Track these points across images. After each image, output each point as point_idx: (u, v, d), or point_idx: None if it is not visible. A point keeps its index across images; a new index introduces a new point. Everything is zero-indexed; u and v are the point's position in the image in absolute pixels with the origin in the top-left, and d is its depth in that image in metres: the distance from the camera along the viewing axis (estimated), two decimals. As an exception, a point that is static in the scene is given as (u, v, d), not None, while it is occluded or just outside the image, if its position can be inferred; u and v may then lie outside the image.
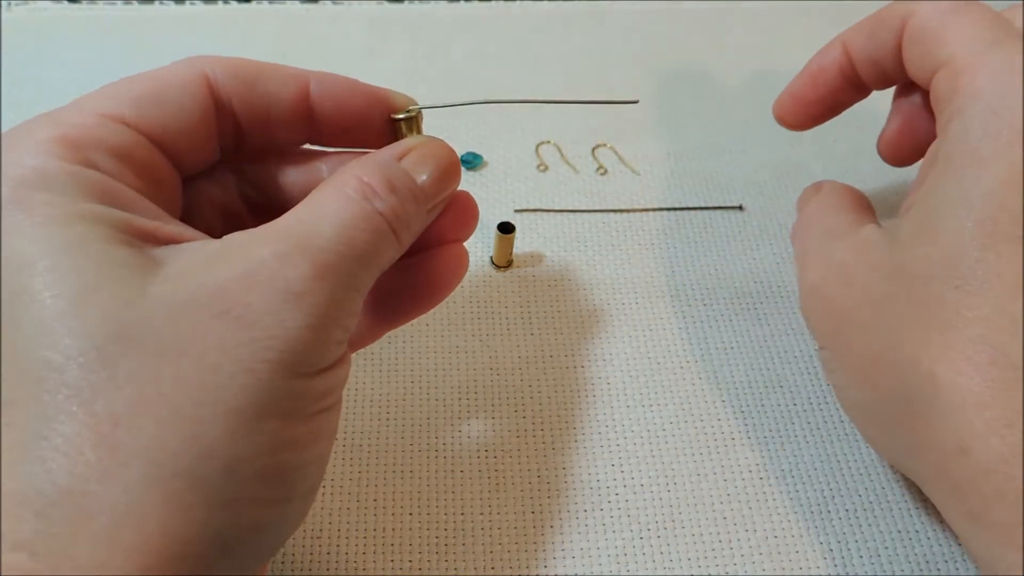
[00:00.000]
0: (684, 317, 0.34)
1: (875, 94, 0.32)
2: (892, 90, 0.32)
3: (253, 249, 0.19)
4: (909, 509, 0.29)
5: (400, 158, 0.23)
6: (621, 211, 0.37)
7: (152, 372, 0.17)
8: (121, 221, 0.19)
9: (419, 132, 0.25)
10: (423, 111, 0.24)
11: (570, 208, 0.37)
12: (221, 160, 0.24)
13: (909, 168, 0.39)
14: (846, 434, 0.30)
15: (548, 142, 0.40)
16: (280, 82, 0.23)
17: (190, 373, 0.17)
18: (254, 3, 0.47)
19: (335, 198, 0.20)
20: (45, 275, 0.18)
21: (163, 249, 0.19)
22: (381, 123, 0.24)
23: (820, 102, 0.31)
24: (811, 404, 0.31)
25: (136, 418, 0.17)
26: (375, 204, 0.21)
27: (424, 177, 0.22)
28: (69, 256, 0.18)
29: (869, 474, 0.29)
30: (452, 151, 0.24)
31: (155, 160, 0.21)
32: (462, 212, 0.25)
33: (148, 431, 0.17)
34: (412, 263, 0.25)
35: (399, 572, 0.27)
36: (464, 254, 0.26)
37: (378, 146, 0.24)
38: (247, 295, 0.18)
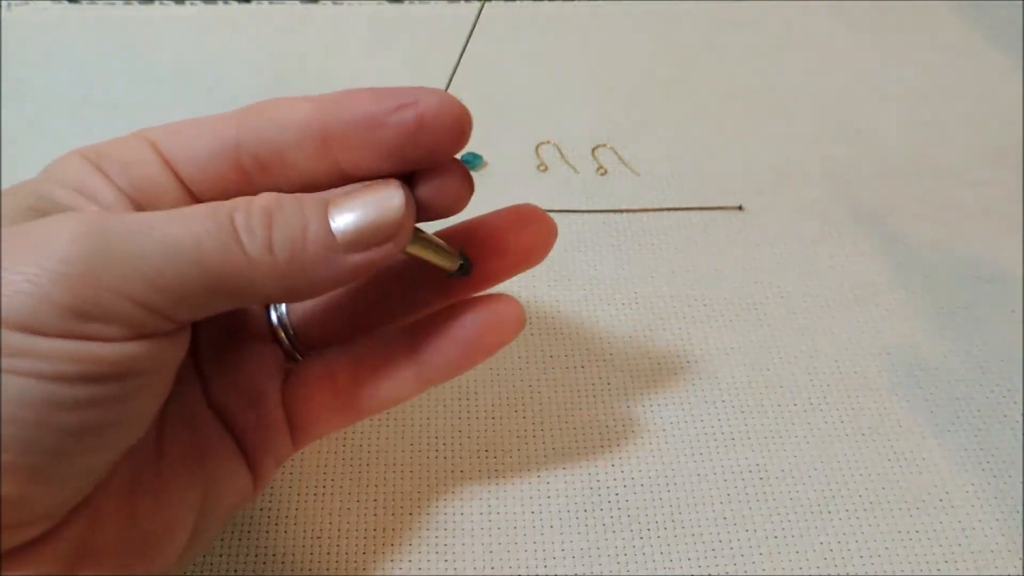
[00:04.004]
0: (684, 317, 0.34)
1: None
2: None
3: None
4: (909, 509, 0.29)
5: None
6: (621, 211, 0.37)
7: None
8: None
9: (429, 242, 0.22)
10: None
11: (570, 208, 0.37)
12: None
13: (909, 169, 0.40)
14: (846, 434, 0.30)
15: (548, 142, 0.40)
16: (290, 106, 0.21)
17: None
18: (254, 3, 0.47)
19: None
20: None
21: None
22: (402, 132, 0.21)
23: None
24: (811, 404, 0.31)
25: None
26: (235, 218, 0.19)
27: (346, 223, 0.20)
28: None
29: (869, 474, 0.29)
30: (401, 198, 0.20)
31: (163, 181, 0.21)
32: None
33: None
34: (457, 310, 0.24)
35: (399, 572, 0.27)
36: (519, 309, 0.24)
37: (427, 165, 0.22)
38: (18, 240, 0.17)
